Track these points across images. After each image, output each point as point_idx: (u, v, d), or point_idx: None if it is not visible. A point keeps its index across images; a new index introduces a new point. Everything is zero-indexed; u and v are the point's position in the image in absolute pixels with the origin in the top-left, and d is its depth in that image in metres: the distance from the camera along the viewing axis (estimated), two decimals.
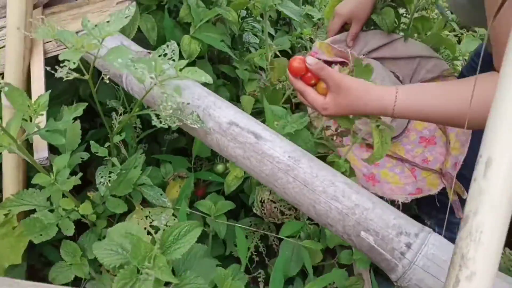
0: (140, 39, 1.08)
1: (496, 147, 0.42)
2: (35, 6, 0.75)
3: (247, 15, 1.32)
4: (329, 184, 0.59)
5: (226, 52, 1.30)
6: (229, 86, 1.27)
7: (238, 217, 1.14)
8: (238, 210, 1.14)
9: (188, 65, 1.11)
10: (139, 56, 0.76)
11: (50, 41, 0.78)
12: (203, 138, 0.69)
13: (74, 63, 0.53)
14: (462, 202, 0.97)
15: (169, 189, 1.03)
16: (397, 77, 1.08)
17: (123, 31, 0.97)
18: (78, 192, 0.97)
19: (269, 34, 1.44)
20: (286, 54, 1.46)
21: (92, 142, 0.80)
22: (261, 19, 1.32)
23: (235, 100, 1.32)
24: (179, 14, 1.07)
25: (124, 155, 1.00)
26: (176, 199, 1.00)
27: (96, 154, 0.82)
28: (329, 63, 0.98)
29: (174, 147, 1.24)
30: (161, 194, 0.88)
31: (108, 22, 0.58)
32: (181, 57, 1.07)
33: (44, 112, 0.67)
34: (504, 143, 0.42)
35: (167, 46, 0.71)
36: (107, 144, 0.80)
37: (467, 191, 0.45)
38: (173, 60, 0.70)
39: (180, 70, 0.65)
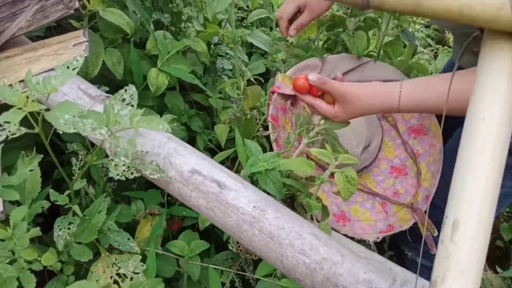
0: (108, 71, 1.05)
1: (462, 208, 0.40)
2: None
3: (219, 41, 1.30)
4: (296, 236, 0.56)
5: (199, 79, 1.27)
6: (203, 115, 1.24)
7: (214, 251, 1.10)
8: (214, 244, 1.10)
9: (158, 97, 1.09)
10: (97, 100, 0.73)
11: None
12: (165, 187, 0.66)
13: (15, 124, 0.49)
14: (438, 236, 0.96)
15: (139, 228, 0.99)
16: None
17: (86, 68, 0.94)
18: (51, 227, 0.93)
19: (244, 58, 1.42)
20: (262, 76, 1.45)
21: (51, 190, 0.76)
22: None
23: (210, 128, 1.30)
24: (146, 46, 1.04)
25: (91, 195, 0.96)
26: (147, 240, 0.96)
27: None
28: (293, 97, 0.96)
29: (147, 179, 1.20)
30: (129, 239, 0.84)
31: (56, 74, 0.55)
32: (149, 90, 1.04)
33: None
34: (470, 204, 0.39)
35: (125, 90, 0.68)
36: (67, 192, 0.76)
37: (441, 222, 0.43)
38: (132, 106, 0.67)
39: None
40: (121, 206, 1.01)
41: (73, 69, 0.55)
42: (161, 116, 1.07)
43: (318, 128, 0.83)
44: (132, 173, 0.62)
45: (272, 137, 0.93)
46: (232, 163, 1.25)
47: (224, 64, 1.34)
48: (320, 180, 0.72)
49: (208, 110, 1.33)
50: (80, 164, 0.77)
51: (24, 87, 0.58)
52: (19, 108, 0.51)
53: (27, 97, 0.50)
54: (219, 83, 1.27)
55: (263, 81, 1.26)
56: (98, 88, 0.92)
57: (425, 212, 0.97)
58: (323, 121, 0.84)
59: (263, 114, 1.18)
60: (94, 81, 1.02)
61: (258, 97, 1.20)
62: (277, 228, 0.57)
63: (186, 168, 0.63)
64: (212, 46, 1.31)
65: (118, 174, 0.60)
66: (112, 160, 0.54)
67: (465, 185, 0.39)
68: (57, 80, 0.54)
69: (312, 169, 0.71)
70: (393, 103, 0.71)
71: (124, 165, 0.55)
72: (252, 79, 1.22)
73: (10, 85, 0.57)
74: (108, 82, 1.15)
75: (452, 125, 1.11)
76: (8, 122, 0.49)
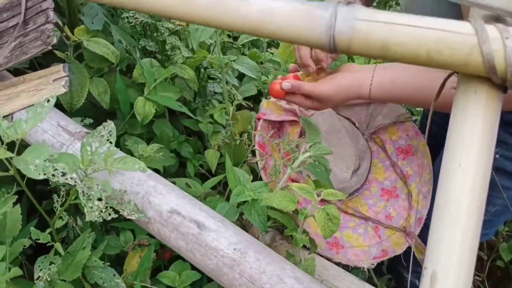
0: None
1: (440, 260, 0.38)
2: None
3: (209, 66, 1.29)
4: (277, 280, 0.54)
5: (190, 104, 1.26)
6: (193, 141, 1.23)
7: (206, 281, 1.08)
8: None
9: (146, 124, 1.08)
10: (77, 137, 0.71)
11: None
12: (145, 227, 0.64)
13: None
14: None
15: (128, 260, 0.97)
16: (353, 123, 1.05)
17: (70, 99, 0.93)
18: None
19: (237, 77, 1.41)
20: (254, 98, 1.44)
21: (32, 229, 0.74)
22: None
23: (202, 152, 1.28)
24: (133, 74, 1.03)
25: (77, 229, 0.94)
26: (135, 273, 0.93)
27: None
28: (279, 123, 0.94)
29: None
30: (114, 275, 0.82)
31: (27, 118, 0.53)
32: (135, 119, 1.03)
33: None
34: (448, 256, 0.37)
35: (104, 127, 0.67)
36: (49, 230, 0.74)
37: None
38: (110, 142, 0.66)
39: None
40: (109, 237, 0.99)
41: (45, 109, 0.54)
42: (149, 143, 1.06)
43: (303, 157, 0.81)
44: (109, 214, 0.60)
45: (259, 165, 0.91)
46: (224, 188, 1.23)
47: (215, 87, 1.33)
48: (304, 216, 0.70)
49: (199, 134, 1.31)
50: (61, 200, 0.75)
51: None
52: None
53: None
54: (210, 107, 1.26)
55: (252, 106, 1.24)
56: (82, 120, 0.91)
57: (418, 235, 0.95)
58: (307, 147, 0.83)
59: (251, 139, 1.17)
60: (81, 110, 1.02)
61: (249, 121, 1.19)
62: (258, 271, 0.55)
63: (165, 208, 0.61)
64: (202, 70, 1.30)
65: (95, 216, 0.59)
66: (85, 205, 0.53)
67: (443, 236, 0.37)
68: (28, 123, 0.53)
69: (294, 205, 0.69)
70: (364, 93, 0.76)
71: (98, 208, 0.53)
72: (243, 102, 1.21)
73: None
74: (96, 110, 1.14)
75: (439, 144, 1.09)
76: None
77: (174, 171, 1.18)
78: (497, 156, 0.86)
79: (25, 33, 0.72)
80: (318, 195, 0.73)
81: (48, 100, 0.54)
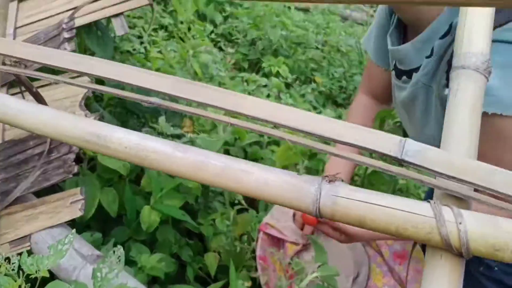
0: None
1: None
2: None
3: None
4: None
5: (191, 206, 1.33)
6: (193, 243, 1.27)
7: None
8: None
9: (150, 233, 1.13)
10: (89, 261, 0.77)
11: None
12: None
13: None
14: None
15: None
16: None
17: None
18: None
19: None
20: None
21: None
22: None
23: (202, 254, 1.32)
24: (141, 183, 1.11)
25: None
26: None
27: None
28: (281, 241, 1.00)
29: None
30: None
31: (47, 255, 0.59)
32: (141, 226, 1.09)
33: None
34: None
35: (114, 252, 0.73)
36: None
37: None
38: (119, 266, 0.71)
39: None
40: None
41: (65, 247, 0.60)
42: (151, 247, 1.11)
43: (310, 277, 0.86)
44: None
45: (262, 281, 0.95)
46: None
47: (217, 188, 1.40)
48: None
49: (199, 235, 1.36)
50: None
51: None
52: None
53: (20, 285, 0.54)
54: (211, 209, 1.32)
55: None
56: (92, 235, 0.97)
57: None
58: (314, 265, 0.87)
59: (253, 240, 1.21)
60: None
61: (249, 223, 1.25)
62: None
63: None
64: None
65: None
66: None
67: None
68: (49, 260, 0.59)
69: None
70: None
71: None
72: (244, 205, 1.28)
73: (8, 258, 0.62)
74: (105, 214, 1.21)
75: None
76: None
77: (174, 275, 1.21)
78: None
79: (49, 161, 0.81)
80: None
81: (69, 237, 0.61)
